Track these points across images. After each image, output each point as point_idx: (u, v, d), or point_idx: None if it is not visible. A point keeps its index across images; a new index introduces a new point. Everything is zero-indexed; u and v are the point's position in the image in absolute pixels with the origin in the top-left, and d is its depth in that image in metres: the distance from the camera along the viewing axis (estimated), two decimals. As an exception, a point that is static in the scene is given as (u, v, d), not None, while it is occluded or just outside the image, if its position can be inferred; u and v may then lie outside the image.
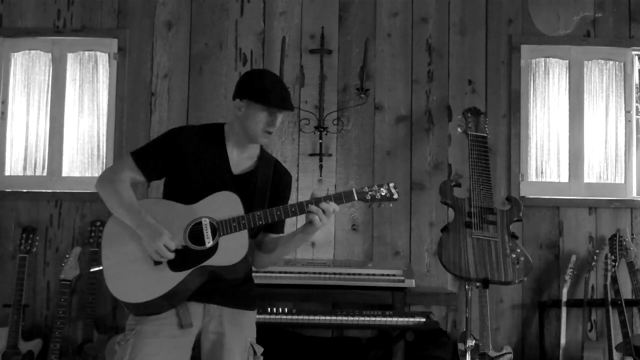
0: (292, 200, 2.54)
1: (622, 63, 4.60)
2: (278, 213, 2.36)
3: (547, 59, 4.62)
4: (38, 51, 4.62)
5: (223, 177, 2.46)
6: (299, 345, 4.09)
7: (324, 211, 2.34)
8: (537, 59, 4.62)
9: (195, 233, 2.35)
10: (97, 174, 4.17)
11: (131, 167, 2.45)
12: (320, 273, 3.87)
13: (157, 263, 2.32)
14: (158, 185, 2.57)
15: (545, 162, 4.58)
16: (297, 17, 4.54)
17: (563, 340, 4.19)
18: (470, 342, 3.48)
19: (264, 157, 2.58)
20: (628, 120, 4.58)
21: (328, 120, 4.43)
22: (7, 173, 4.56)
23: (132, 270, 2.34)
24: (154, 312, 2.35)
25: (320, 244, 4.42)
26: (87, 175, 4.54)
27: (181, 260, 2.32)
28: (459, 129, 4.01)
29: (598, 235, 4.45)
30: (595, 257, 4.31)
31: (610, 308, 4.14)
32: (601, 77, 4.62)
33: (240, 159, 2.52)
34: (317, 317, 3.70)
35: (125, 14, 4.55)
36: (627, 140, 4.57)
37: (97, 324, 4.27)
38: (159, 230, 2.30)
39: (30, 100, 4.61)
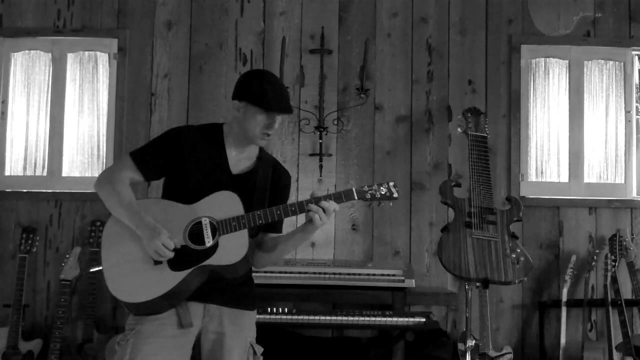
0: (292, 200, 2.53)
1: (622, 63, 4.60)
2: (278, 212, 2.36)
3: (547, 59, 4.62)
4: (38, 51, 4.62)
5: (222, 177, 2.46)
6: (299, 345, 4.09)
7: (324, 210, 2.34)
8: (537, 59, 4.62)
9: (195, 233, 2.35)
10: (97, 174, 4.15)
11: (130, 167, 2.45)
12: (320, 273, 3.87)
13: (157, 263, 2.32)
14: (158, 185, 2.57)
15: (545, 162, 4.58)
16: (297, 17, 4.54)
17: (563, 340, 4.19)
18: (470, 342, 3.48)
19: (263, 157, 2.57)
20: (628, 120, 4.58)
21: (328, 120, 4.43)
22: (7, 173, 4.56)
23: (132, 270, 2.34)
24: (154, 312, 2.35)
25: (320, 244, 4.42)
26: (87, 175, 4.54)
27: (181, 259, 2.32)
28: (459, 129, 4.01)
29: (598, 235, 4.45)
30: (595, 257, 4.31)
31: (610, 308, 4.14)
32: (601, 77, 4.62)
33: (239, 159, 2.51)
34: (317, 317, 3.70)
35: (125, 14, 4.55)
36: (627, 140, 4.57)
37: (97, 324, 4.26)
38: (158, 229, 2.30)
39: (30, 100, 4.62)
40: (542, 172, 4.57)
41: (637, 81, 4.63)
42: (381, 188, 2.41)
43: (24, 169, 4.58)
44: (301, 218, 2.39)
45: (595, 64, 4.62)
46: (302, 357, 4.05)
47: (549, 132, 4.60)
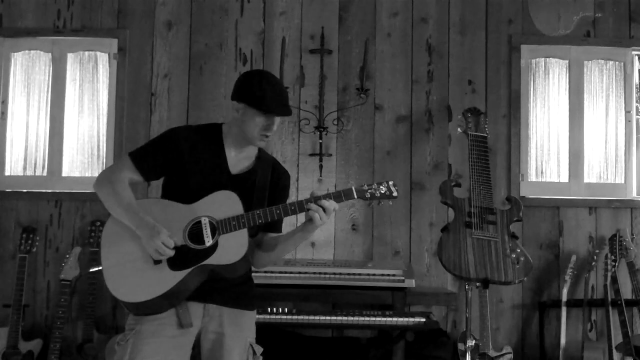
0: (292, 200, 2.53)
1: (622, 63, 4.60)
2: (278, 212, 2.36)
3: (547, 59, 4.62)
4: (38, 51, 4.62)
5: (221, 177, 2.46)
6: (299, 345, 4.09)
7: (324, 209, 2.34)
8: (537, 59, 4.62)
9: (195, 232, 2.35)
10: (97, 174, 4.13)
11: (129, 168, 2.45)
12: (320, 273, 3.87)
13: (156, 262, 2.32)
14: (158, 185, 2.56)
15: (545, 162, 4.58)
16: (297, 17, 4.54)
17: (563, 340, 4.19)
18: (470, 342, 3.48)
19: (262, 157, 2.57)
20: (628, 120, 4.58)
21: (328, 120, 4.43)
22: (7, 173, 4.56)
23: (132, 270, 2.34)
24: (154, 312, 2.35)
25: (320, 244, 4.42)
26: (87, 175, 4.54)
27: (181, 259, 2.32)
28: (459, 129, 4.01)
29: (598, 235, 4.45)
30: (595, 257, 4.31)
31: (610, 308, 4.14)
32: (601, 77, 4.62)
33: (238, 159, 2.51)
34: (317, 317, 3.70)
35: (125, 14, 4.55)
36: (627, 140, 4.57)
37: (97, 324, 4.27)
38: (157, 228, 2.30)
39: (30, 100, 4.62)
40: (542, 172, 4.57)
41: (637, 81, 4.63)
42: (381, 187, 2.41)
43: (24, 169, 4.58)
44: (301, 217, 2.39)
45: (595, 64, 4.62)
46: (302, 357, 4.05)
47: (549, 132, 4.60)
